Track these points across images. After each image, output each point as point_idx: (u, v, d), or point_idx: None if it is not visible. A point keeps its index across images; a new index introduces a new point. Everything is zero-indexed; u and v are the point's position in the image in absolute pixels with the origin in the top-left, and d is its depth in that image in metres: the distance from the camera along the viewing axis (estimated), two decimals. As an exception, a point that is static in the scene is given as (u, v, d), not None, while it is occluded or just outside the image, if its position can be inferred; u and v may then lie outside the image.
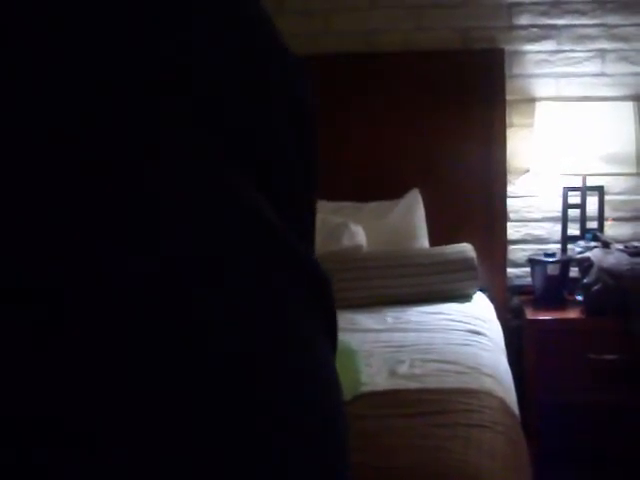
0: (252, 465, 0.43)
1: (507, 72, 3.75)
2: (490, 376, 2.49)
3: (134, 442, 0.39)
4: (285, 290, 0.48)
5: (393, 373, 2.52)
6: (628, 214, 3.79)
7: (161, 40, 0.45)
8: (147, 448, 0.39)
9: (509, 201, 3.79)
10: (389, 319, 3.15)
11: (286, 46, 0.54)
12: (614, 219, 3.76)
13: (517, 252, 3.88)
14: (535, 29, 3.78)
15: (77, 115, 0.41)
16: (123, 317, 0.39)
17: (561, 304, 3.53)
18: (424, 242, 3.65)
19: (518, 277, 3.87)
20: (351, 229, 3.47)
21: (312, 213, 0.57)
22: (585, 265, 3.40)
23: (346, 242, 3.42)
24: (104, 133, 0.41)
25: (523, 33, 3.79)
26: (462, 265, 3.39)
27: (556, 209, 3.77)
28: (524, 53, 3.80)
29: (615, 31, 3.73)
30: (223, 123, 0.47)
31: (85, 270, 0.39)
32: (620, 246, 3.46)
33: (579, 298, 3.48)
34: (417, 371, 2.53)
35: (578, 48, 3.76)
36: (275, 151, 0.52)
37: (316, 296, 0.52)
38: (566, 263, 3.55)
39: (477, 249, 3.47)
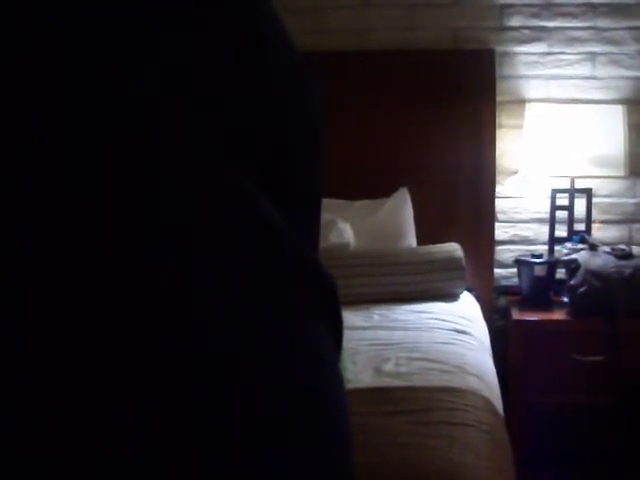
0: (256, 465, 0.43)
1: (497, 73, 3.76)
2: (475, 375, 2.49)
3: (132, 442, 0.39)
4: (287, 291, 0.48)
5: (378, 371, 2.52)
6: (616, 217, 3.80)
7: (164, 38, 0.45)
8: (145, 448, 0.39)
9: (497, 201, 3.80)
10: (375, 317, 3.16)
11: (295, 47, 0.54)
12: (601, 221, 3.77)
13: (504, 253, 3.89)
14: (526, 31, 3.79)
15: (79, 114, 0.41)
16: (123, 318, 0.39)
17: (547, 305, 3.54)
18: (412, 241, 3.65)
19: (505, 278, 3.88)
20: (339, 226, 3.47)
21: (318, 213, 0.57)
22: (572, 267, 3.40)
23: (334, 239, 3.41)
24: (104, 132, 0.41)
25: (514, 34, 3.80)
26: (449, 264, 3.40)
27: (544, 210, 3.78)
28: (515, 54, 3.81)
29: (605, 34, 3.74)
30: (227, 123, 0.47)
31: (89, 270, 0.39)
32: (607, 248, 3.47)
33: (565, 300, 3.49)
34: (402, 369, 2.53)
35: (568, 51, 3.77)
36: (283, 152, 0.52)
37: (320, 296, 0.52)
38: (553, 264, 3.56)
39: (464, 249, 3.48)
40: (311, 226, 0.57)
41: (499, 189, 3.81)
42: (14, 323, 0.38)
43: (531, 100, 3.74)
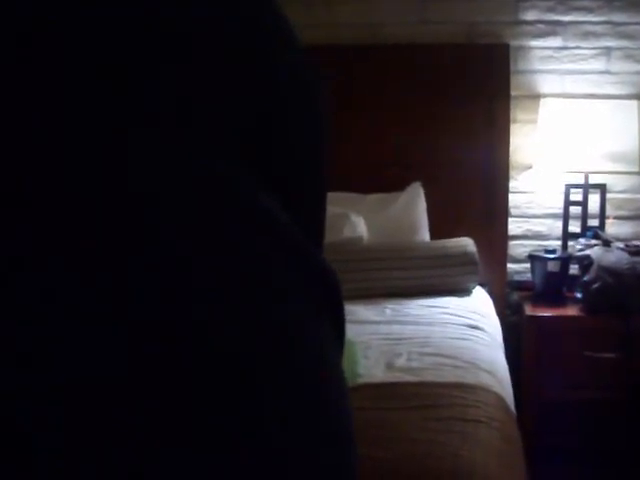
0: (253, 465, 0.42)
1: (512, 67, 3.74)
2: (487, 371, 2.49)
3: (135, 440, 0.39)
4: (288, 290, 0.48)
5: (390, 365, 2.52)
6: (629, 213, 3.79)
7: (164, 38, 0.45)
8: (146, 446, 0.39)
9: (511, 196, 3.79)
10: (388, 311, 3.16)
11: (299, 45, 0.53)
12: (615, 217, 3.76)
13: (517, 248, 3.88)
14: (541, 25, 3.77)
15: (79, 115, 0.41)
16: (122, 318, 0.39)
17: (560, 301, 3.53)
18: (425, 235, 3.65)
19: (518, 273, 3.87)
20: (352, 220, 3.47)
21: (323, 210, 0.57)
22: (585, 263, 3.40)
23: (347, 233, 3.41)
24: (104, 132, 0.41)
25: (529, 29, 3.79)
26: (462, 259, 3.39)
27: (558, 206, 3.77)
28: (529, 49, 3.79)
29: (621, 29, 3.72)
30: (227, 123, 0.47)
31: (89, 269, 0.39)
32: (621, 245, 3.46)
33: (578, 295, 3.48)
34: (414, 364, 2.53)
35: (584, 45, 3.75)
36: (287, 150, 0.52)
37: (322, 294, 0.51)
38: (566, 260, 3.55)
39: (477, 244, 3.47)
40: (315, 224, 0.56)
41: (513, 184, 3.80)
42: (14, 323, 0.38)
43: (546, 95, 3.73)
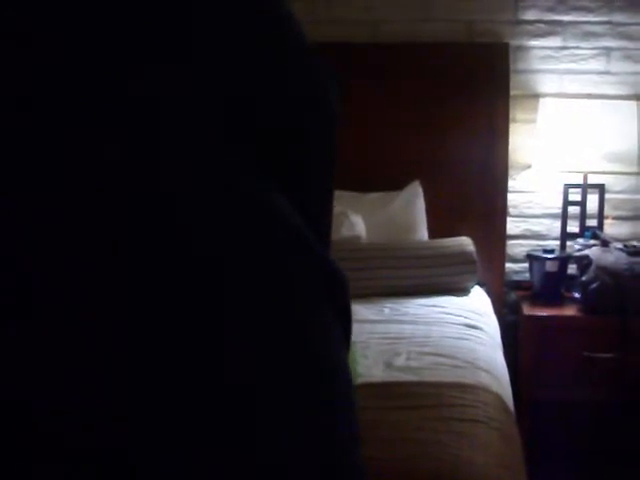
0: (253, 462, 0.42)
1: (511, 67, 3.74)
2: (486, 371, 2.49)
3: (131, 431, 0.39)
4: (295, 289, 0.48)
5: (389, 365, 2.52)
6: (628, 213, 3.79)
7: (170, 38, 0.45)
8: (144, 438, 0.39)
9: (509, 196, 3.79)
10: (386, 311, 3.15)
11: (313, 50, 0.53)
12: (614, 218, 3.76)
13: (516, 247, 3.88)
14: (541, 25, 3.77)
15: (94, 114, 0.41)
16: (128, 321, 0.39)
17: (558, 301, 3.53)
18: (423, 234, 3.65)
19: (516, 272, 3.87)
20: (351, 219, 3.46)
21: (330, 212, 0.57)
22: (583, 263, 3.40)
23: (345, 232, 3.41)
24: (105, 132, 0.41)
25: (529, 28, 3.79)
26: (461, 259, 3.39)
27: (556, 206, 3.77)
28: (529, 48, 3.79)
29: (621, 29, 3.72)
30: (254, 126, 0.47)
31: (92, 269, 0.39)
32: (619, 245, 3.46)
33: (576, 295, 3.48)
34: (413, 364, 2.52)
35: (583, 45, 3.75)
36: (303, 154, 0.52)
37: (333, 294, 0.51)
38: (564, 260, 3.55)
39: (476, 243, 3.47)
40: (322, 222, 0.56)
41: (511, 183, 3.80)
42: (14, 323, 0.38)
43: (545, 95, 3.73)
